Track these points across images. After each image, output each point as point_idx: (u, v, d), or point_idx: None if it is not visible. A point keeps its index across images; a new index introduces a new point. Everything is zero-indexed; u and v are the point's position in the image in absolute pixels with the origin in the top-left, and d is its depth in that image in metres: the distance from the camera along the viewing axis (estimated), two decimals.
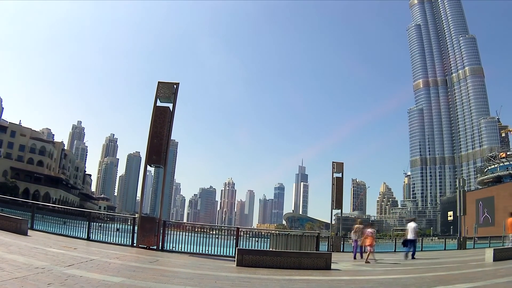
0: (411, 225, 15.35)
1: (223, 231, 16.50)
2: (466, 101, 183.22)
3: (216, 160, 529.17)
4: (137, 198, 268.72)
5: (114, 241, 12.78)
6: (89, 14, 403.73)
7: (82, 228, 13.45)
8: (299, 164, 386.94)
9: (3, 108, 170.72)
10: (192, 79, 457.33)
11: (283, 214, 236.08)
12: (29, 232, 11.56)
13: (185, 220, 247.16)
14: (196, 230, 14.07)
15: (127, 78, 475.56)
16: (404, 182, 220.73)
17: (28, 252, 7.56)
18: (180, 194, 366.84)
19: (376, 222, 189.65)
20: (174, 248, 12.48)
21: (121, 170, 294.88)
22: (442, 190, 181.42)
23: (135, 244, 11.93)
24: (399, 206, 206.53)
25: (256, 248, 12.56)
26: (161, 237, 12.19)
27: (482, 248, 20.67)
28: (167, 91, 12.64)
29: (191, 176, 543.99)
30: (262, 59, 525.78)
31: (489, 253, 13.19)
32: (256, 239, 14.68)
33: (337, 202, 21.19)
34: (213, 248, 12.64)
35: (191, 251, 12.33)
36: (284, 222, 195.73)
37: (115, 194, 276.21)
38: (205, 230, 14.11)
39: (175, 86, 12.85)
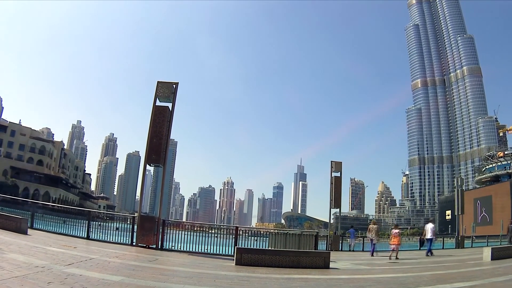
0: (429, 226, 16.80)
1: (222, 230, 16.53)
2: (464, 101, 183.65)
3: (215, 159, 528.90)
4: (137, 197, 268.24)
5: (114, 240, 12.80)
6: (89, 14, 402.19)
7: (81, 227, 13.46)
8: (297, 163, 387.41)
9: (3, 107, 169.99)
10: (191, 79, 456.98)
11: (282, 213, 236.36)
12: (29, 231, 11.58)
13: (184, 219, 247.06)
14: (195, 229, 14.07)
15: (126, 78, 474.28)
16: (403, 181, 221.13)
17: (28, 251, 7.58)
18: (179, 193, 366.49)
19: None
20: (173, 247, 12.50)
21: (120, 169, 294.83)
22: (440, 189, 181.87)
23: (134, 243, 11.95)
24: (397, 205, 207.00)
25: (255, 247, 12.59)
26: (160, 236, 12.21)
27: (480, 247, 20.76)
28: (167, 90, 12.66)
29: (190, 175, 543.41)
30: (261, 58, 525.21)
31: (487, 252, 13.27)
32: (255, 238, 14.71)
33: (336, 201, 21.25)
34: (212, 247, 12.69)
35: (190, 250, 12.34)
36: (283, 221, 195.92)
37: (115, 193, 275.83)
38: (204, 229, 14.13)
39: (174, 86, 12.86)
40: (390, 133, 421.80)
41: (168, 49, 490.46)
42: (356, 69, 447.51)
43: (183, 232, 13.21)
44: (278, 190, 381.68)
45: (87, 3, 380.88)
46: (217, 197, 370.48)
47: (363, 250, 20.97)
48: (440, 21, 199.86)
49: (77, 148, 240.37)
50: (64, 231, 13.45)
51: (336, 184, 21.30)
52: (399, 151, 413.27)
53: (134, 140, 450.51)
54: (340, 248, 20.42)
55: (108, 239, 12.80)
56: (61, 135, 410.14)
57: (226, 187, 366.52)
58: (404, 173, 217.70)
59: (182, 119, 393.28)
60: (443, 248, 24.74)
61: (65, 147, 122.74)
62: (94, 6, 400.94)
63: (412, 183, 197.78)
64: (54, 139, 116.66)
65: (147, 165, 12.58)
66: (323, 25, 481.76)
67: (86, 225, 13.04)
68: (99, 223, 14.22)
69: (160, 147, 12.28)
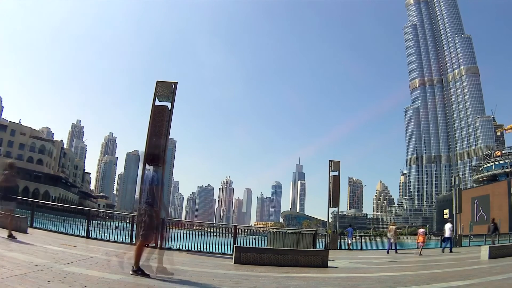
0: (448, 226, 18.95)
1: (221, 229, 16.56)
2: (461, 100, 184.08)
3: (214, 158, 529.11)
4: (136, 196, 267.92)
5: (113, 239, 12.81)
6: (89, 14, 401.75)
7: (81, 226, 13.46)
8: (296, 162, 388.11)
9: (3, 107, 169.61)
10: (190, 78, 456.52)
11: (281, 212, 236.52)
12: (29, 230, 11.55)
13: (183, 218, 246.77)
14: (194, 228, 14.08)
15: (126, 77, 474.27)
16: (401, 180, 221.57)
17: (28, 250, 7.58)
18: (179, 193, 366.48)
19: (372, 220, 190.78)
20: (172, 246, 12.52)
21: (120, 168, 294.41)
22: (438, 188, 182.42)
23: (134, 242, 11.97)
24: (395, 204, 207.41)
25: (253, 246, 12.64)
26: (159, 235, 12.22)
27: (478, 246, 20.88)
28: (166, 90, 12.66)
29: (189, 174, 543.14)
30: (260, 58, 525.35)
31: (484, 251, 13.30)
32: (254, 237, 14.76)
33: (334, 200, 21.33)
34: (211, 245, 12.71)
35: (190, 248, 12.35)
36: (281, 220, 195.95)
37: (114, 192, 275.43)
38: (203, 228, 14.13)
39: (173, 85, 12.85)
40: (388, 133, 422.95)
41: (167, 49, 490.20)
42: (355, 68, 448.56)
43: (182, 231, 13.24)
44: (277, 189, 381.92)
45: (87, 3, 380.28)
46: (216, 196, 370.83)
47: (361, 249, 21.06)
48: (438, 21, 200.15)
49: (76, 147, 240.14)
50: (64, 230, 13.44)
51: (335, 183, 21.39)
52: (397, 150, 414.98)
53: (134, 139, 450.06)
54: (339, 247, 20.49)
55: (108, 238, 12.81)
56: (61, 135, 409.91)
57: (225, 186, 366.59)
58: (402, 172, 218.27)
59: (181, 119, 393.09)
60: (440, 247, 24.82)
61: (64, 146, 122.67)
62: (93, 6, 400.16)
63: (410, 182, 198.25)
64: (54, 139, 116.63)
65: (146, 164, 12.59)
66: (321, 25, 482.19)
67: (86, 224, 13.05)
68: (99, 222, 14.25)
69: (159, 146, 12.29)
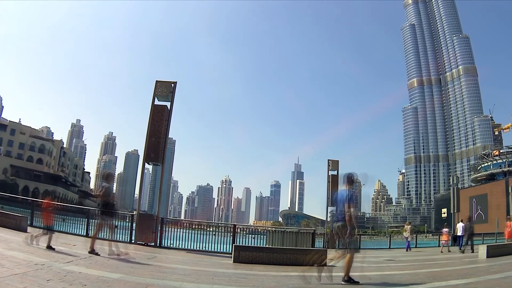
0: (460, 224, 19.60)
1: (220, 228, 16.58)
2: (459, 100, 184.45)
3: (213, 158, 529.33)
4: (135, 195, 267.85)
5: (113, 238, 12.78)
6: (88, 13, 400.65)
7: (81, 225, 13.48)
8: (295, 162, 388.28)
9: (3, 106, 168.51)
10: (189, 78, 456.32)
11: (279, 211, 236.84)
12: (29, 229, 11.54)
13: (182, 217, 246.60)
14: (193, 227, 14.09)
15: (125, 77, 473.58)
16: (399, 179, 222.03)
17: (28, 249, 7.60)
18: (178, 192, 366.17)
19: (370, 219, 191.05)
20: (171, 245, 12.54)
21: (119, 168, 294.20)
22: (436, 188, 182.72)
23: (133, 241, 12.00)
24: (394, 204, 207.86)
25: (252, 245, 12.66)
26: (159, 234, 12.26)
27: (476, 245, 20.90)
28: (165, 90, 12.67)
29: (188, 173, 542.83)
30: (259, 58, 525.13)
31: (482, 250, 13.34)
32: (253, 236, 14.78)
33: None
34: (210, 245, 12.72)
35: (189, 247, 12.37)
36: (280, 219, 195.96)
37: (114, 191, 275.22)
38: (202, 227, 14.14)
39: (172, 85, 12.88)
40: (386, 132, 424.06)
41: (167, 48, 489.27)
42: (353, 68, 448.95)
43: (181, 230, 13.27)
44: (276, 188, 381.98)
45: (87, 3, 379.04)
46: (215, 195, 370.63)
47: (359, 248, 21.08)
48: (436, 21, 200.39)
49: (76, 146, 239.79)
50: (64, 229, 13.44)
51: (333, 182, 21.40)
52: (395, 149, 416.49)
53: (133, 139, 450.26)
54: (337, 246, 20.51)
55: (107, 237, 12.78)
56: (61, 134, 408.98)
57: (224, 186, 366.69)
58: (400, 171, 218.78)
59: (180, 118, 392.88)
60: (439, 246, 24.91)
61: (64, 145, 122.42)
62: (93, 5, 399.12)
63: (408, 181, 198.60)
64: (54, 138, 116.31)
65: (146, 163, 12.62)
66: (320, 25, 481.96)
67: (86, 223, 13.07)
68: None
69: (158, 145, 12.31)
